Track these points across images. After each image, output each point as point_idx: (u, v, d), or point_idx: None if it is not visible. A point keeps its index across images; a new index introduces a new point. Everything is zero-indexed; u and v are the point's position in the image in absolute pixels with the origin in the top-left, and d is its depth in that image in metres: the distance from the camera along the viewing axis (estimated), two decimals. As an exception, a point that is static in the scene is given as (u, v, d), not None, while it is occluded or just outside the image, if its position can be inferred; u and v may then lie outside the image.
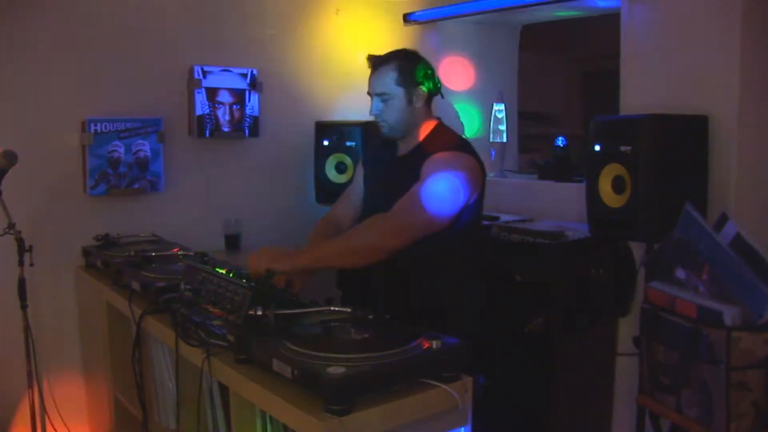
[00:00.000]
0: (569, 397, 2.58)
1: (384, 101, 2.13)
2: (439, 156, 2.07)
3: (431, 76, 2.19)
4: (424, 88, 2.15)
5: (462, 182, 2.05)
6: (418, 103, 2.15)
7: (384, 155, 2.29)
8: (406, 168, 2.15)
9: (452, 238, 2.10)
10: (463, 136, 2.29)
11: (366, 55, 2.20)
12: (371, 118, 2.18)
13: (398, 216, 1.96)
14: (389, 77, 2.12)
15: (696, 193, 2.23)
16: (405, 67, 2.13)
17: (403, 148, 2.22)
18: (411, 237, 1.95)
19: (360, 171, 2.40)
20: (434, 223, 2.00)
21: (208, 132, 3.22)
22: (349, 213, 2.37)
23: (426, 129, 2.19)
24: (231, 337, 1.67)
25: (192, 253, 2.54)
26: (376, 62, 2.16)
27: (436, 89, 2.20)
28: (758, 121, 2.33)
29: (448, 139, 2.18)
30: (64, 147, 2.92)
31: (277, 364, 1.50)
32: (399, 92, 2.12)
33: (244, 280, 1.82)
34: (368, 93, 2.18)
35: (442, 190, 2.00)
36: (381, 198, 2.22)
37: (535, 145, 4.40)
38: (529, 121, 4.45)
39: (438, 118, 2.24)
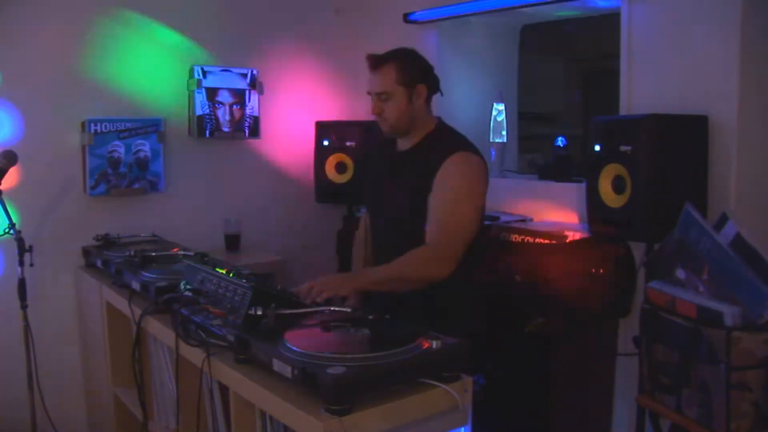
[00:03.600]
0: (569, 397, 2.58)
1: (384, 100, 2.14)
2: (452, 162, 2.08)
3: (430, 74, 2.20)
4: (423, 87, 2.16)
5: (481, 188, 2.13)
6: (418, 102, 2.16)
7: (384, 154, 2.31)
8: (408, 164, 2.18)
9: None
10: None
11: (366, 55, 2.20)
12: (371, 118, 2.19)
13: (441, 248, 2.02)
14: (389, 76, 2.13)
15: (696, 193, 2.23)
16: (405, 66, 2.14)
17: (403, 145, 2.23)
18: (456, 263, 2.02)
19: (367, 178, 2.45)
20: (471, 238, 2.08)
21: (208, 132, 3.22)
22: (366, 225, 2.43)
23: (427, 127, 2.20)
24: (231, 337, 1.67)
25: (192, 253, 2.54)
26: (375, 61, 2.16)
27: (436, 87, 2.21)
28: (758, 121, 2.33)
29: (451, 137, 2.20)
30: (64, 147, 2.92)
31: (277, 364, 1.50)
32: (399, 91, 2.13)
33: (244, 280, 1.82)
34: (368, 92, 2.19)
35: (470, 207, 2.08)
36: (382, 194, 2.24)
37: (535, 145, 4.40)
38: (529, 121, 4.45)
39: (438, 117, 2.25)
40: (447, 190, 2.06)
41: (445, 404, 1.50)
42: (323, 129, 3.34)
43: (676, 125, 2.26)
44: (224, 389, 1.75)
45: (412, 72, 2.15)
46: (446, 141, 2.16)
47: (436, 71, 2.23)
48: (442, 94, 2.25)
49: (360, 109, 3.53)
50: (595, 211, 2.39)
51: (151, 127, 3.07)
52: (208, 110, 3.21)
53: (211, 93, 3.21)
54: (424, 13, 3.36)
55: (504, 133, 3.26)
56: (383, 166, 2.29)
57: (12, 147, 2.62)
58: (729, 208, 2.21)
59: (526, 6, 3.00)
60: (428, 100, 2.20)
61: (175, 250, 2.68)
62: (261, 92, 3.34)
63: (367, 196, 2.38)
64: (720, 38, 2.31)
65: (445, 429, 1.52)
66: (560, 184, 2.95)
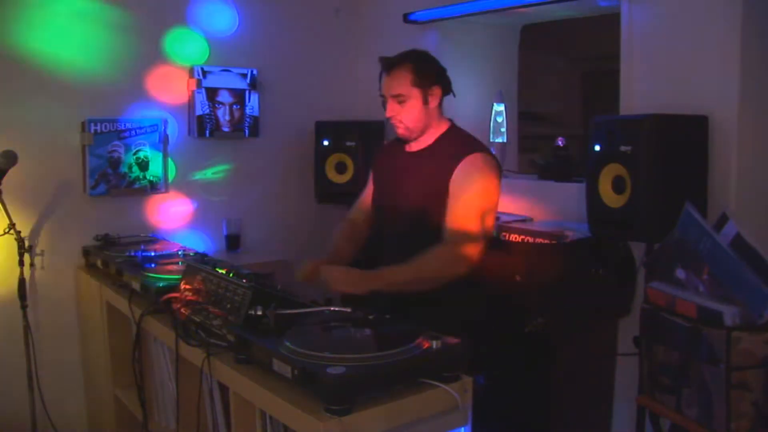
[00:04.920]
0: (569, 397, 2.58)
1: (400, 102, 2.14)
2: (467, 162, 2.10)
3: (444, 75, 2.21)
4: (438, 88, 2.16)
5: (496, 188, 2.15)
6: (433, 103, 2.17)
7: (393, 154, 2.32)
8: (420, 165, 2.19)
9: None
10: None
11: (379, 57, 2.21)
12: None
13: (458, 246, 2.04)
14: (405, 78, 2.13)
15: (696, 193, 2.23)
16: (420, 68, 2.15)
17: (414, 146, 2.24)
18: (474, 261, 2.05)
19: (371, 175, 2.43)
20: (487, 237, 2.10)
21: (208, 132, 3.22)
22: (364, 218, 2.42)
23: (439, 128, 2.21)
24: (231, 337, 1.67)
25: (192, 253, 2.54)
26: (390, 64, 2.16)
27: (449, 89, 2.22)
28: (758, 121, 2.33)
29: (465, 139, 2.21)
30: (64, 147, 2.92)
31: (277, 364, 1.50)
32: (415, 93, 2.14)
33: (244, 280, 1.82)
34: (381, 95, 2.19)
35: (487, 206, 2.10)
36: (391, 194, 2.25)
37: (535, 145, 4.40)
38: (529, 121, 4.45)
39: (450, 119, 2.26)
40: (465, 191, 2.08)
41: (445, 404, 1.50)
42: (323, 129, 3.34)
43: (676, 125, 2.26)
44: (224, 389, 1.75)
45: (428, 74, 2.15)
46: (460, 143, 2.17)
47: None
48: (455, 96, 2.25)
49: (360, 109, 3.53)
50: (595, 211, 2.39)
51: (151, 127, 3.07)
52: (208, 110, 3.21)
53: (211, 93, 3.21)
54: (424, 13, 3.36)
55: (503, 130, 3.26)
56: (393, 167, 2.29)
57: (12, 147, 2.62)
58: (729, 208, 2.21)
59: (526, 6, 3.00)
60: (441, 101, 2.21)
61: (175, 250, 2.68)
62: (261, 92, 3.34)
63: (375, 197, 2.37)
64: (720, 38, 2.31)
65: (445, 429, 1.52)
66: (560, 184, 2.95)
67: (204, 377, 1.77)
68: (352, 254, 2.34)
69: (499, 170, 2.17)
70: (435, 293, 2.09)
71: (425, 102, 2.15)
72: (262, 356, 1.56)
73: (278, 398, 1.46)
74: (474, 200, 2.07)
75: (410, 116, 2.15)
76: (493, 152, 3.20)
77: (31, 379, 2.66)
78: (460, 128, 2.26)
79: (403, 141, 2.29)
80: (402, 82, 2.13)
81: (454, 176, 2.08)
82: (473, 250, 2.04)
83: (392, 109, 2.16)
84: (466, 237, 2.04)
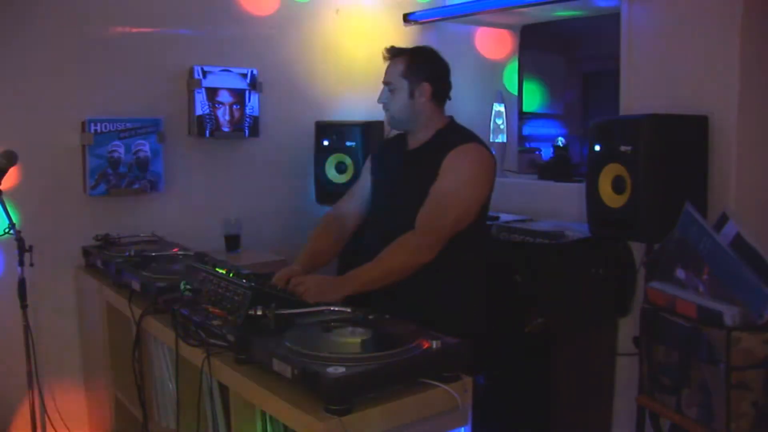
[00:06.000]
0: (569, 397, 2.58)
1: (390, 91, 2.19)
2: (457, 151, 2.10)
3: (440, 76, 2.21)
4: (428, 85, 2.17)
5: (481, 177, 2.12)
6: (421, 99, 2.17)
7: (393, 149, 2.32)
8: (417, 162, 2.19)
9: (457, 236, 2.11)
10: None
11: (385, 47, 2.24)
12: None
13: (427, 233, 2.03)
14: (397, 68, 2.17)
15: (696, 193, 2.23)
16: (413, 62, 2.17)
17: (413, 143, 2.24)
18: (441, 247, 2.04)
19: (367, 165, 2.43)
20: (460, 227, 2.08)
21: (208, 132, 3.22)
22: (354, 210, 2.39)
23: (437, 125, 2.22)
24: (231, 337, 1.67)
25: (192, 253, 2.54)
26: (390, 53, 2.22)
27: (443, 90, 2.22)
28: (758, 121, 2.33)
29: (462, 134, 2.21)
30: (64, 147, 2.92)
31: (277, 364, 1.50)
32: (403, 84, 2.17)
33: (244, 280, 1.82)
34: (383, 82, 2.24)
35: (463, 191, 2.08)
36: (390, 191, 2.25)
37: (535, 146, 4.41)
38: (529, 121, 4.46)
39: (450, 117, 2.26)
40: (447, 177, 2.08)
41: (445, 404, 1.50)
42: (323, 129, 3.34)
43: (676, 125, 2.26)
44: (224, 389, 1.75)
45: (419, 69, 2.17)
46: (457, 135, 2.18)
47: (449, 73, 2.24)
48: (449, 99, 2.25)
49: (360, 109, 3.53)
50: (595, 211, 2.39)
51: (151, 127, 3.07)
52: (208, 110, 3.21)
53: (211, 93, 3.21)
54: (424, 13, 3.37)
55: (503, 127, 3.27)
56: (391, 163, 2.30)
57: (12, 147, 2.62)
58: (729, 208, 2.21)
59: (526, 6, 3.01)
60: (435, 100, 2.20)
61: (175, 250, 2.68)
62: (261, 92, 3.34)
63: (374, 194, 2.37)
64: (720, 38, 2.31)
65: (445, 429, 1.52)
66: (560, 184, 2.95)
67: (204, 377, 1.77)
68: (332, 253, 2.34)
69: (493, 165, 2.16)
70: (436, 303, 2.09)
71: (411, 95, 2.17)
72: (262, 356, 1.56)
73: (278, 398, 1.46)
74: (453, 187, 2.07)
75: (395, 106, 2.19)
76: (493, 152, 3.23)
77: (31, 379, 2.66)
78: (459, 124, 2.27)
79: (403, 137, 2.29)
80: (394, 72, 2.18)
81: (443, 164, 2.09)
82: (440, 237, 2.03)
83: (383, 95, 2.22)
84: (435, 223, 2.04)
